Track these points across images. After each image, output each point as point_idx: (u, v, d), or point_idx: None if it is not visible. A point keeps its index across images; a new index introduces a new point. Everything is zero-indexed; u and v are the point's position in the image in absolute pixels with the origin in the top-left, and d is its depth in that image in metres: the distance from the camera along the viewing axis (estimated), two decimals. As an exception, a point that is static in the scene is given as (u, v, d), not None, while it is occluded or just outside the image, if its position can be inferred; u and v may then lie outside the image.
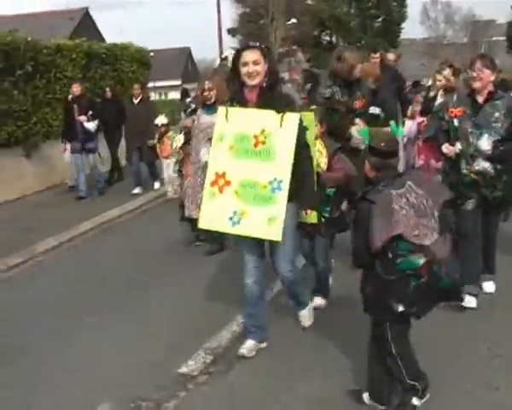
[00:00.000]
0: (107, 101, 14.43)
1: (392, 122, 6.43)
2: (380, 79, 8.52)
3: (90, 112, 12.85)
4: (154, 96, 25.51)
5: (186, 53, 67.21)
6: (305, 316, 5.88)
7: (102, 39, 34.89)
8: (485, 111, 5.90)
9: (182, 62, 65.06)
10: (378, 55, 10.28)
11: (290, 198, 4.99)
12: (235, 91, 5.29)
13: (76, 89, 13.00)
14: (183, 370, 5.31)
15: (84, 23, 43.34)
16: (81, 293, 7.52)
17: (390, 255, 4.09)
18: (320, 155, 5.95)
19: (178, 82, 54.91)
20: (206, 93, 8.29)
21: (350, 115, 6.69)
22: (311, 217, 5.44)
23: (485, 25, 55.28)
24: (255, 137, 5.07)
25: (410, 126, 9.13)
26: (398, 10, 51.37)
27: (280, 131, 5.01)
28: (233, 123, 5.17)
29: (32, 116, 14.25)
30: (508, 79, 11.96)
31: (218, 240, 8.35)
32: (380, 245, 4.04)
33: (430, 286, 4.09)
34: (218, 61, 27.50)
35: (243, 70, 5.07)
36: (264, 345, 5.55)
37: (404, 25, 52.22)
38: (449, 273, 4.10)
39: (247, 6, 50.49)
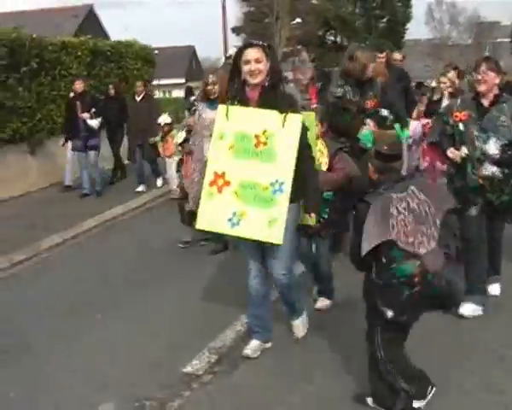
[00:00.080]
0: (109, 98, 14.37)
1: (396, 125, 6.43)
2: (387, 80, 8.50)
3: (93, 109, 12.79)
4: (158, 94, 25.46)
5: (190, 51, 67.18)
6: (299, 326, 5.72)
7: (107, 37, 34.92)
8: (492, 115, 5.82)
9: (186, 61, 65.03)
10: (384, 54, 10.24)
11: (291, 200, 4.94)
12: (236, 90, 5.18)
13: (78, 86, 12.92)
14: (188, 369, 5.30)
15: (89, 20, 43.31)
16: (84, 291, 7.53)
17: (384, 260, 4.05)
18: (321, 155, 5.94)
19: (182, 80, 54.84)
20: (209, 87, 8.22)
21: (361, 115, 6.64)
22: (311, 219, 5.40)
23: (489, 26, 55.18)
24: (256, 137, 5.00)
25: (414, 127, 9.11)
26: (403, 11, 51.28)
27: (282, 131, 4.94)
28: (233, 122, 5.08)
29: (36, 113, 14.27)
30: (512, 81, 11.90)
31: (222, 239, 8.33)
32: (368, 249, 4.00)
33: (423, 295, 4.04)
34: (222, 60, 27.45)
35: (245, 68, 5.01)
36: (268, 345, 5.53)
37: (408, 25, 52.17)
38: (445, 281, 4.04)
39: (251, 5, 50.43)
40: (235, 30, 49.37)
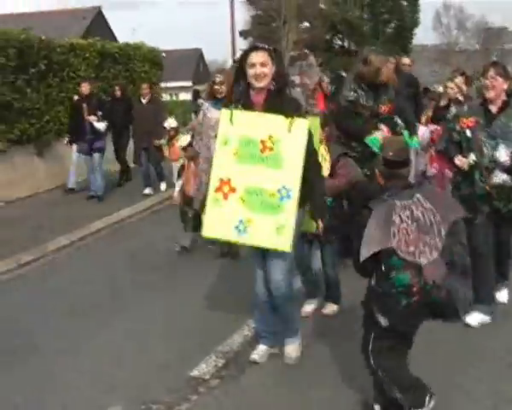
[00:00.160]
0: (116, 100, 14.35)
1: (405, 132, 6.40)
2: (396, 85, 8.47)
3: (100, 112, 12.73)
4: (165, 97, 25.43)
5: (198, 54, 67.18)
6: (291, 348, 5.40)
7: (115, 39, 34.96)
8: (500, 121, 5.77)
9: (193, 63, 65.02)
10: (393, 60, 10.23)
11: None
12: (240, 93, 5.10)
13: (85, 88, 12.88)
14: (195, 373, 5.29)
15: (97, 22, 43.36)
16: (91, 293, 7.53)
17: (383, 268, 4.00)
18: (323, 161, 5.91)
19: (189, 83, 54.90)
20: (216, 87, 8.18)
21: (374, 120, 6.59)
22: (311, 226, 5.37)
23: (497, 32, 55.09)
24: (262, 142, 4.92)
25: (422, 133, 9.07)
26: (411, 16, 51.19)
27: (288, 137, 4.88)
28: (238, 126, 4.99)
29: (44, 114, 14.30)
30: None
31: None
32: (367, 255, 3.94)
33: (422, 305, 3.98)
34: (230, 63, 27.49)
35: (250, 72, 4.93)
36: (275, 350, 5.51)
37: (416, 30, 52.08)
38: (446, 292, 3.98)
39: (259, 8, 50.42)
40: (243, 33, 49.33)
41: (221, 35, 64.98)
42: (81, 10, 43.21)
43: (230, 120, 5.01)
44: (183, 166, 9.05)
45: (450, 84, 8.86)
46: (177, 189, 9.20)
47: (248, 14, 50.74)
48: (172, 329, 6.31)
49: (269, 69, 4.93)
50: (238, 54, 27.65)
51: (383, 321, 4.04)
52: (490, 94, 5.82)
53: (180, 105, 27.77)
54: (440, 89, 11.36)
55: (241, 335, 5.99)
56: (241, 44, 40.54)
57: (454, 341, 5.55)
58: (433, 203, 4.03)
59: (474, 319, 5.92)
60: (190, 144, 8.61)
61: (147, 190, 13.49)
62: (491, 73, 5.81)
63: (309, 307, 6.40)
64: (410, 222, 3.95)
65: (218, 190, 5.02)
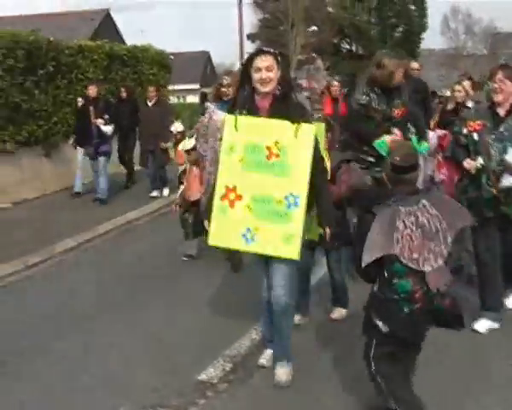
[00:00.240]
0: (122, 101, 14.31)
1: (413, 137, 6.35)
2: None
3: (106, 115, 12.65)
4: (172, 100, 25.42)
5: (205, 57, 67.19)
6: (282, 372, 5.14)
7: (123, 41, 35.00)
8: (508, 124, 5.73)
9: (201, 66, 65.01)
10: (408, 63, 10.18)
11: None
12: (245, 98, 5.01)
13: (92, 91, 12.82)
14: (203, 377, 5.28)
15: (105, 24, 43.42)
16: (99, 295, 7.53)
17: (386, 274, 3.96)
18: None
19: (197, 86, 54.92)
20: (224, 89, 8.13)
21: (387, 124, 6.54)
22: (313, 234, 5.32)
23: (505, 37, 54.94)
24: (268, 148, 4.84)
25: (430, 138, 9.02)
26: (419, 20, 51.15)
27: (295, 143, 4.79)
28: (243, 133, 4.90)
29: (52, 116, 14.29)
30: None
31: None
32: (369, 261, 3.89)
33: (425, 312, 3.94)
34: (237, 66, 27.52)
35: (255, 76, 4.85)
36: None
37: (424, 35, 52.04)
38: (450, 299, 3.94)
39: (266, 11, 50.43)
40: (250, 36, 49.32)
41: (229, 38, 65.03)
42: (89, 12, 43.27)
43: (235, 126, 4.94)
44: (183, 171, 8.93)
45: (457, 87, 8.83)
46: (180, 192, 9.12)
47: (256, 17, 50.76)
48: (180, 332, 6.30)
49: (274, 74, 4.85)
50: (246, 57, 27.65)
51: (383, 328, 3.99)
52: (498, 97, 5.78)
53: (187, 108, 27.76)
54: (448, 93, 11.31)
55: (248, 339, 5.99)
56: (249, 48, 40.58)
57: (460, 348, 5.52)
58: (440, 210, 3.97)
59: (482, 325, 5.89)
60: (194, 148, 8.52)
61: (154, 193, 13.49)
62: (500, 76, 5.77)
63: None
64: (414, 228, 3.90)
65: (224, 197, 4.95)
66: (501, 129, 5.74)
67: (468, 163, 5.85)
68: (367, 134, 6.39)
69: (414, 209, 3.93)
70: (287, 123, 4.82)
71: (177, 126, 11.79)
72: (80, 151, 13.19)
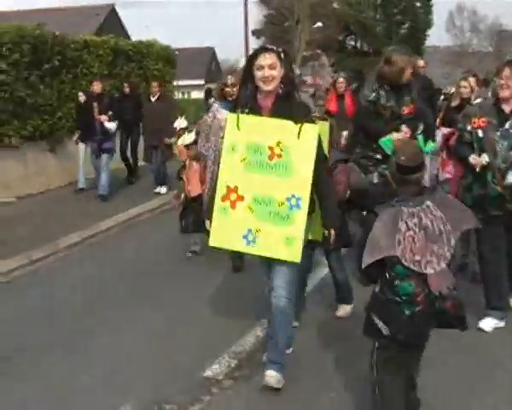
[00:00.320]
0: (125, 96, 14.27)
1: (420, 136, 6.32)
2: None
3: (110, 112, 12.58)
4: (177, 95, 25.40)
5: (210, 53, 67.21)
6: (273, 375, 4.93)
7: (128, 36, 34.99)
8: None
9: (205, 62, 65.03)
10: (415, 60, 10.15)
11: None
12: (247, 97, 4.90)
13: (97, 87, 12.75)
14: (208, 374, 5.27)
15: (110, 19, 43.47)
16: (102, 291, 7.53)
17: (387, 276, 3.90)
18: None
19: (201, 81, 54.97)
20: (228, 89, 8.07)
21: (396, 121, 6.48)
22: (317, 234, 5.29)
23: (511, 35, 54.84)
24: (270, 148, 4.76)
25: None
26: (424, 17, 51.13)
27: (298, 143, 4.71)
28: (245, 132, 4.82)
29: (57, 111, 14.28)
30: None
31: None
32: (369, 262, 3.83)
33: (427, 314, 3.87)
34: (242, 62, 27.45)
35: (258, 74, 4.75)
36: (289, 351, 5.43)
37: (429, 32, 52.01)
38: (452, 301, 3.87)
39: (271, 7, 50.41)
40: (256, 33, 49.32)
41: (233, 34, 64.86)
42: (95, 7, 43.33)
43: (237, 125, 4.86)
44: (183, 166, 8.85)
45: (463, 83, 8.75)
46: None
47: (261, 13, 50.76)
48: (185, 329, 6.29)
49: (277, 72, 4.76)
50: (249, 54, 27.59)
51: (384, 330, 3.94)
52: (504, 93, 5.72)
53: (192, 103, 27.80)
54: (453, 90, 11.25)
55: (253, 335, 5.97)
56: (254, 44, 40.55)
57: (466, 347, 5.48)
58: (444, 211, 3.89)
59: (488, 324, 5.87)
60: (195, 142, 8.43)
61: (158, 189, 13.47)
62: (506, 72, 5.70)
63: None
64: (417, 230, 3.82)
65: (226, 198, 4.89)
66: (506, 126, 5.69)
67: (474, 159, 5.77)
68: (376, 131, 6.34)
69: (417, 210, 3.86)
70: (290, 123, 4.74)
71: (180, 122, 11.73)
72: (82, 147, 13.14)
